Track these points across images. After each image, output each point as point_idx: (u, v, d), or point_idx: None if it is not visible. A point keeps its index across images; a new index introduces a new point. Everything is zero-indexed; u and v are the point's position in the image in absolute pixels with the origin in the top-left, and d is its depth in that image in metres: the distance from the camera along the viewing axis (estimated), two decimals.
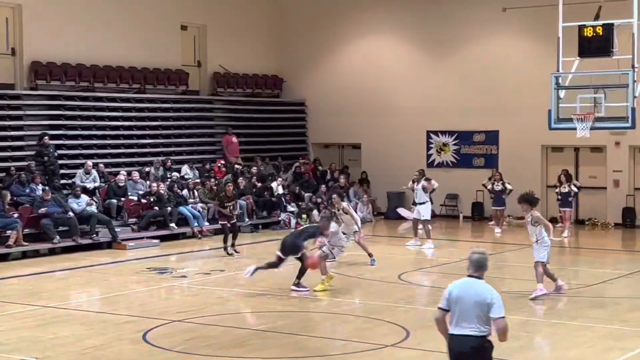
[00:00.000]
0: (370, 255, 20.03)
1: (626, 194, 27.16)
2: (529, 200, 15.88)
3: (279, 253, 16.61)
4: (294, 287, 16.61)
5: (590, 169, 28.51)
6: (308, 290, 16.51)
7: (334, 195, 20.67)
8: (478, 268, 8.15)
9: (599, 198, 27.60)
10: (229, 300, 16.61)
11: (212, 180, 26.96)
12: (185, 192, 25.97)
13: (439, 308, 8.23)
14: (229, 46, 31.31)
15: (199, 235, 24.77)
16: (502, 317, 7.99)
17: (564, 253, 22.94)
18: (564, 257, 22.01)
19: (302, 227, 18.85)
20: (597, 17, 19.47)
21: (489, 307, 7.98)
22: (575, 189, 25.46)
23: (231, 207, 21.69)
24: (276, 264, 16.73)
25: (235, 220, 21.95)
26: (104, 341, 13.25)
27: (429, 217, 23.11)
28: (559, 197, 25.68)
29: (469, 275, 8.17)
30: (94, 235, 22.91)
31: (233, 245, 21.49)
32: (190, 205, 25.34)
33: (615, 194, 27.34)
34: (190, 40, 30.86)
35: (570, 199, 25.40)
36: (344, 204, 20.33)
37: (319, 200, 28.70)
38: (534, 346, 13.32)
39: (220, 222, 22.39)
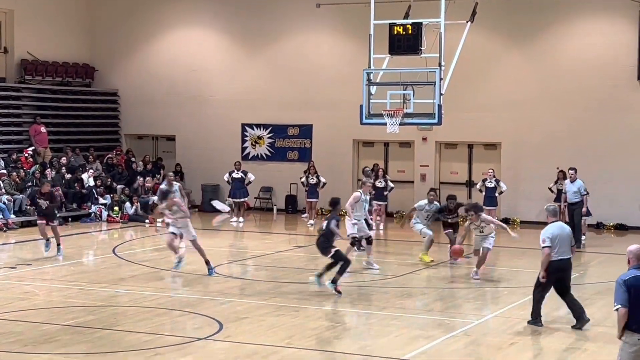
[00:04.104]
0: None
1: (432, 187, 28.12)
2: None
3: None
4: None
5: (399, 164, 29.43)
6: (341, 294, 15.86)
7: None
8: (556, 214, 13.48)
9: (407, 192, 28.44)
10: (36, 295, 16.03)
11: (22, 172, 26.09)
12: None
13: (548, 247, 12.76)
14: (38, 33, 30.34)
15: (4, 228, 23.77)
16: (575, 244, 13.52)
17: (377, 245, 23.47)
18: (376, 248, 22.56)
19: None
20: (407, 16, 20.02)
21: (571, 238, 13.14)
22: (391, 185, 26.23)
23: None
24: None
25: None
26: None
27: None
28: (373, 191, 26.43)
29: (553, 221, 13.21)
30: None
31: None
32: None
33: (422, 188, 28.20)
34: None
35: (385, 193, 26.12)
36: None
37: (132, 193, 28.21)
38: (343, 335, 13.56)
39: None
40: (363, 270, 18.50)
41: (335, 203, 16.69)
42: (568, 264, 13.19)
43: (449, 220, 19.73)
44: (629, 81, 26.06)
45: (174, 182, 21.36)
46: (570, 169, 23.10)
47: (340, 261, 15.71)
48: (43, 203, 19.03)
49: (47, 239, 19.36)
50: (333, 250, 15.71)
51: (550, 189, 25.27)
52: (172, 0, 31.23)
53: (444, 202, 20.36)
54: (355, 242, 17.98)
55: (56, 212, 20.51)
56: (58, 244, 19.51)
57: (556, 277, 13.03)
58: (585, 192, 22.54)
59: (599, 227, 25.92)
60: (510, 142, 27.43)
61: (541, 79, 27.09)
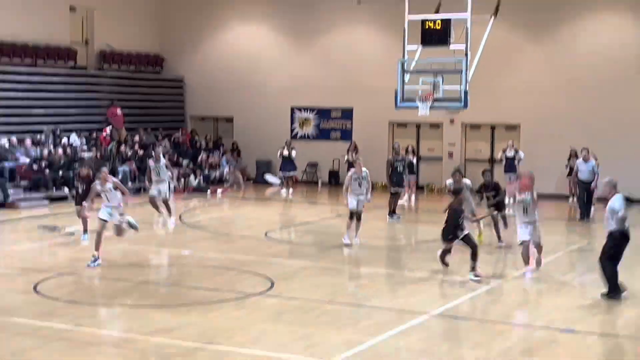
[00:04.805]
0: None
1: (458, 164, 27.94)
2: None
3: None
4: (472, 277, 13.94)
5: (429, 143, 29.32)
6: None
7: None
8: (616, 186, 12.64)
9: (436, 167, 28.41)
10: (114, 255, 16.24)
11: (100, 149, 26.46)
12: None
13: (626, 215, 12.33)
14: (115, 27, 30.53)
15: None
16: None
17: (409, 214, 23.49)
18: (408, 217, 22.56)
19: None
20: (437, 11, 19.82)
21: None
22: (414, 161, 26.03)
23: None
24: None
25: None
26: None
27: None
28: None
29: (615, 193, 12.47)
30: None
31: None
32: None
33: (449, 164, 28.08)
34: (79, 20, 29.86)
35: (414, 168, 25.97)
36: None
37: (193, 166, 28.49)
38: (379, 294, 13.62)
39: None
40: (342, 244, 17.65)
41: (456, 192, 15.11)
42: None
43: (492, 199, 17.32)
44: (636, 71, 25.73)
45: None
46: (584, 149, 22.41)
47: (469, 246, 14.11)
48: (79, 186, 17.45)
49: (85, 230, 17.09)
50: (461, 234, 14.09)
51: (566, 165, 25.01)
52: None
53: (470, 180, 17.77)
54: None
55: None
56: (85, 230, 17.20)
57: (625, 244, 12.67)
58: (597, 171, 21.96)
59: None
60: (529, 123, 27.19)
61: (557, 68, 26.81)
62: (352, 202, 17.40)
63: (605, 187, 13.06)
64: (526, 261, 14.64)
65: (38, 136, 25.95)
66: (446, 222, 14.21)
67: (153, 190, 20.30)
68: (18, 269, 14.65)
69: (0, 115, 25.79)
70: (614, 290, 12.58)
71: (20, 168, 24.11)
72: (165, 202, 20.15)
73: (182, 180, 27.50)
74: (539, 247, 14.61)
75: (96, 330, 10.97)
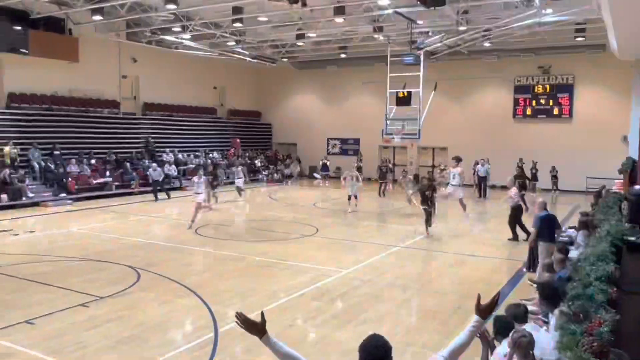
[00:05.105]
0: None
1: (414, 173, 27.48)
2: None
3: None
4: None
5: (400, 157, 28.90)
6: None
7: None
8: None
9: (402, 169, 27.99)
10: (232, 216, 16.24)
11: (228, 159, 26.56)
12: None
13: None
14: (240, 97, 30.60)
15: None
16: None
17: (389, 193, 23.16)
18: (388, 195, 22.19)
19: None
20: (404, 88, 19.59)
21: None
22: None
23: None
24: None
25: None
26: (177, 232, 12.96)
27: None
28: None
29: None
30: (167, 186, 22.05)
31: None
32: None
33: (409, 168, 27.75)
34: (217, 93, 29.65)
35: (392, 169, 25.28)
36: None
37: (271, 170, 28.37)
38: (372, 236, 13.29)
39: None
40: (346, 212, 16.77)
41: (419, 182, 14.40)
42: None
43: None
44: (508, 118, 25.25)
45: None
46: (481, 159, 22.48)
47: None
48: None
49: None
50: (429, 205, 12.94)
51: (472, 168, 24.59)
52: (294, 79, 30.96)
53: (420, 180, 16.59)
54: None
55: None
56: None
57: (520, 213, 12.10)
58: (489, 170, 21.82)
59: (493, 187, 25.07)
60: (452, 146, 26.66)
61: (466, 117, 26.30)
62: (349, 190, 17.33)
63: (509, 182, 12.60)
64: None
65: (197, 153, 26.12)
66: (421, 197, 13.35)
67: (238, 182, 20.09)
68: (188, 221, 14.82)
69: (185, 144, 25.91)
70: (513, 237, 12.22)
71: (189, 169, 24.27)
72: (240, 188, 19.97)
73: (270, 176, 27.53)
74: (462, 202, 14.79)
75: (226, 252, 11.05)
